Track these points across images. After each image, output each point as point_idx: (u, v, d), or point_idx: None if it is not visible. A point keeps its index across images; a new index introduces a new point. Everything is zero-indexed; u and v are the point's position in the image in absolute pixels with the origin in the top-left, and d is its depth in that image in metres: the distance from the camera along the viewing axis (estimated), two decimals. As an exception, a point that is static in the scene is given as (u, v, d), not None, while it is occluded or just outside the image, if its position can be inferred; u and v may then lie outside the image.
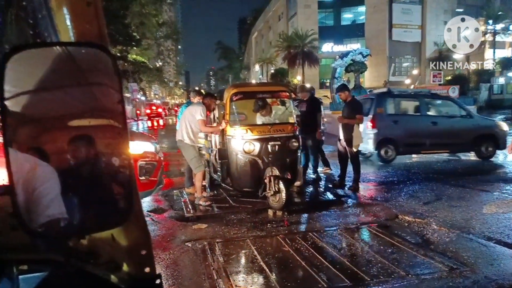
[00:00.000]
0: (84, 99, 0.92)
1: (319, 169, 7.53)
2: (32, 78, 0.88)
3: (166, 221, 5.05)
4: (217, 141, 5.80)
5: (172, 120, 35.41)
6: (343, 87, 6.80)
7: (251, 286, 3.19)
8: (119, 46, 30.14)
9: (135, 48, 34.65)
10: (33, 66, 0.88)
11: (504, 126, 9.54)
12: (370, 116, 8.83)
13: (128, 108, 37.27)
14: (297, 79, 40.79)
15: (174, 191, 6.65)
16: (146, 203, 5.77)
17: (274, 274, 3.35)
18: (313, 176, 7.28)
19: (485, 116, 11.61)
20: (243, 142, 5.33)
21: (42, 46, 1.00)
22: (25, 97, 0.86)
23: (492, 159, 9.28)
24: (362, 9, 47.80)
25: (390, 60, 46.21)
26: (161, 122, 35.56)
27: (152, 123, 33.02)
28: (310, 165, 7.31)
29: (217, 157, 5.78)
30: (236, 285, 3.17)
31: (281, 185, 5.04)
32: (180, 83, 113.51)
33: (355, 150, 6.31)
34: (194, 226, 4.70)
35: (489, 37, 37.62)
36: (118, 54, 29.70)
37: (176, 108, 47.89)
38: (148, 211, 5.43)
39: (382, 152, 8.91)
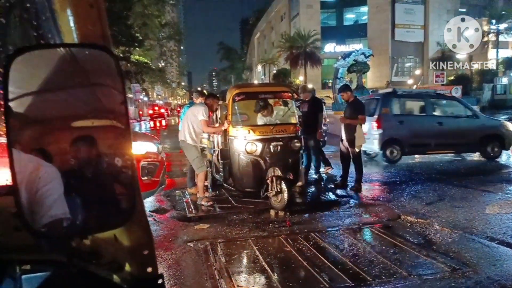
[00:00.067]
0: (87, 100, 0.93)
1: (321, 169, 7.52)
2: (36, 79, 0.89)
3: (168, 221, 5.06)
4: (219, 142, 5.81)
5: (174, 120, 35.46)
6: (345, 88, 6.79)
7: (253, 286, 3.20)
8: (122, 47, 30.23)
9: (137, 48, 34.76)
10: (37, 67, 0.88)
11: (510, 126, 9.50)
12: (376, 116, 8.81)
13: (131, 108, 37.31)
14: (299, 80, 40.75)
15: (176, 191, 6.66)
16: (149, 203, 5.78)
17: (276, 274, 3.35)
18: (315, 176, 7.27)
19: (491, 116, 11.58)
20: (245, 143, 5.33)
21: (46, 47, 1.01)
22: (29, 98, 0.87)
23: (497, 160, 9.25)
24: (364, 9, 47.73)
25: (392, 60, 46.14)
26: (163, 122, 35.60)
27: (155, 124, 33.07)
28: (312, 166, 7.30)
29: (219, 157, 5.79)
30: (238, 285, 3.17)
31: (283, 186, 5.04)
32: (183, 83, 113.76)
33: (357, 150, 6.30)
34: (196, 226, 4.71)
35: (492, 37, 37.50)
36: (121, 55, 29.78)
37: (178, 109, 47.94)
38: (150, 211, 5.44)
39: (388, 152, 8.89)
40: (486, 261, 3.54)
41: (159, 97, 68.66)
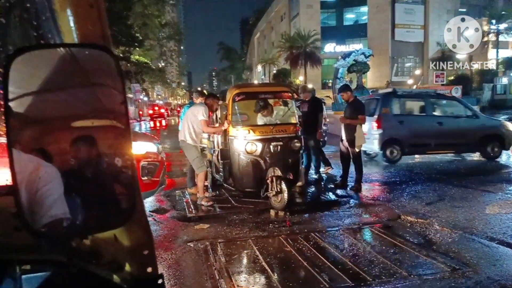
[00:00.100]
0: (87, 100, 0.93)
1: (321, 169, 7.52)
2: (36, 79, 0.89)
3: (168, 221, 5.06)
4: (219, 142, 5.81)
5: (174, 120, 35.46)
6: (345, 88, 6.79)
7: (253, 286, 3.20)
8: (122, 47, 30.24)
9: (137, 48, 34.76)
10: (37, 67, 0.88)
11: (510, 126, 9.51)
12: (376, 116, 8.82)
13: (131, 108, 37.32)
14: (300, 80, 40.76)
15: (176, 191, 6.66)
16: (149, 203, 5.78)
17: (276, 274, 3.35)
18: (315, 176, 7.27)
19: (491, 116, 11.58)
20: (245, 143, 5.33)
21: (46, 47, 1.01)
22: (29, 98, 0.87)
23: (497, 160, 9.26)
24: (364, 9, 47.74)
25: (392, 60, 46.14)
26: (163, 122, 35.60)
27: (155, 124, 33.07)
28: (312, 166, 7.30)
29: (219, 157, 5.79)
30: (238, 285, 3.17)
31: (283, 186, 5.04)
32: (183, 83, 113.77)
33: (357, 150, 6.30)
34: (196, 226, 4.71)
35: (492, 37, 37.49)
36: (121, 55, 29.79)
37: (178, 109, 47.94)
38: (150, 211, 5.44)
39: (388, 152, 8.89)
40: (486, 261, 3.54)
41: (159, 97, 68.68)
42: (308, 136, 6.74)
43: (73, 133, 0.91)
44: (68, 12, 0.90)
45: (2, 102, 0.80)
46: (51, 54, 0.90)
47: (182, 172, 7.82)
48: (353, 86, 25.05)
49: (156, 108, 47.36)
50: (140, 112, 43.27)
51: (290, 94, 5.98)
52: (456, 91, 22.03)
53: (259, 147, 5.33)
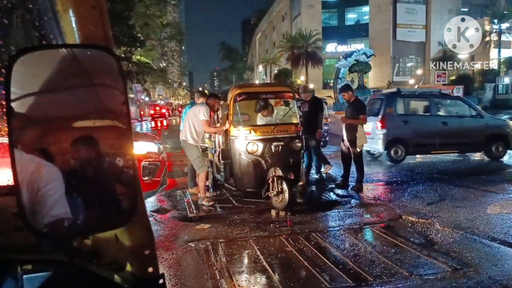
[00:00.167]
0: (89, 101, 0.93)
1: (321, 169, 7.51)
2: (38, 79, 0.89)
3: (169, 221, 5.07)
4: (221, 142, 5.81)
5: (175, 120, 35.49)
6: (346, 87, 6.79)
7: (254, 286, 3.20)
8: (124, 47, 30.27)
9: (139, 49, 34.78)
10: (39, 68, 0.89)
11: None
12: (380, 116, 8.81)
13: (132, 109, 37.39)
14: (301, 80, 40.74)
15: (177, 191, 6.67)
16: (150, 203, 5.78)
17: (277, 274, 3.36)
18: (316, 176, 7.27)
19: (495, 116, 11.56)
20: (246, 143, 5.33)
21: (48, 48, 1.01)
22: (30, 99, 0.87)
23: (501, 160, 9.24)
24: (366, 9, 47.71)
25: (394, 60, 46.08)
26: (164, 122, 35.64)
27: (156, 124, 33.11)
28: (313, 165, 7.30)
29: (220, 157, 5.80)
30: (239, 285, 3.17)
31: (284, 186, 5.04)
32: (184, 83, 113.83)
33: (358, 150, 6.29)
34: (197, 226, 4.71)
35: (494, 37, 37.39)
36: (123, 55, 29.82)
37: (180, 109, 47.97)
38: (151, 211, 5.44)
39: (392, 152, 8.89)
40: (487, 261, 3.53)
41: (161, 97, 68.74)
42: (309, 136, 6.74)
43: (74, 133, 0.91)
44: (71, 13, 0.91)
45: (4, 103, 0.81)
46: (53, 55, 0.91)
47: (183, 172, 7.83)
48: (355, 86, 25.04)
49: (158, 108, 47.39)
50: (142, 112, 43.32)
51: (291, 94, 5.98)
52: (458, 91, 22.00)
53: (260, 147, 5.33)
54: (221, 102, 5.97)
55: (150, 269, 0.96)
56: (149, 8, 35.67)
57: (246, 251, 3.94)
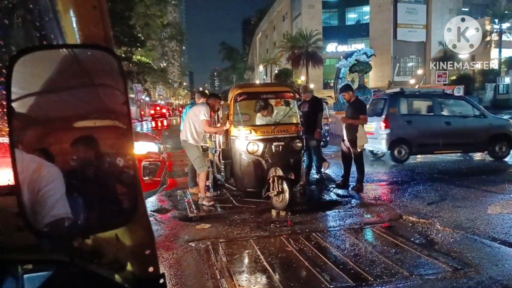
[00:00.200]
0: (90, 101, 0.93)
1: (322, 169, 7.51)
2: (39, 80, 0.90)
3: (169, 221, 5.07)
4: (221, 142, 5.82)
5: (176, 120, 35.49)
6: (347, 87, 6.79)
7: (254, 286, 3.20)
8: (124, 47, 30.30)
9: (139, 49, 34.81)
10: (39, 68, 0.89)
11: None
12: (383, 116, 8.82)
13: (133, 109, 37.41)
14: (301, 80, 40.73)
15: (178, 191, 6.67)
16: (150, 203, 5.79)
17: (277, 274, 3.36)
18: (316, 176, 7.27)
19: (500, 116, 11.56)
20: (247, 143, 5.34)
21: (49, 48, 1.02)
22: (31, 99, 0.87)
23: (505, 160, 9.23)
24: (366, 9, 47.67)
25: (394, 60, 46.05)
26: (165, 122, 35.65)
27: (156, 124, 33.13)
28: (313, 165, 7.29)
29: (220, 157, 5.80)
30: (239, 285, 3.18)
31: (285, 186, 5.04)
32: (184, 83, 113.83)
33: (359, 150, 6.29)
34: (198, 226, 4.72)
35: (495, 37, 37.36)
36: (123, 55, 29.84)
37: (180, 109, 47.99)
38: (152, 211, 5.45)
39: (395, 152, 8.89)
40: (488, 261, 3.53)
41: (161, 97, 68.76)
42: (309, 136, 6.74)
43: (75, 133, 0.91)
44: (71, 14, 0.91)
45: (5, 103, 0.81)
46: (54, 55, 0.91)
47: (184, 172, 7.83)
48: (355, 86, 25.00)
49: (158, 108, 47.41)
50: (142, 112, 43.34)
51: (292, 94, 5.98)
52: (458, 91, 21.96)
53: (260, 147, 5.33)
54: (222, 102, 5.97)
55: (151, 269, 0.97)
56: (149, 8, 35.71)
57: (247, 251, 3.94)
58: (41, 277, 0.87)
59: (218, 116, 6.20)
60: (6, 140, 0.83)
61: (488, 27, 36.44)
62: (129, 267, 0.96)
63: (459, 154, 10.08)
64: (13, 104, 0.82)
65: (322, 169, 7.59)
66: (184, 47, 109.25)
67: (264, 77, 57.12)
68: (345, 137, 6.50)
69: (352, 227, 4.67)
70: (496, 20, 36.94)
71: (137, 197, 0.91)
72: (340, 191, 6.39)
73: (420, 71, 43.02)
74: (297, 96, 6.76)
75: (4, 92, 0.81)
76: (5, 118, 0.81)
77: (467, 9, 43.35)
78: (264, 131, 5.46)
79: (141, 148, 4.87)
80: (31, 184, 0.85)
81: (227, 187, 6.16)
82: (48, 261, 0.92)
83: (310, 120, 6.81)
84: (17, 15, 1.22)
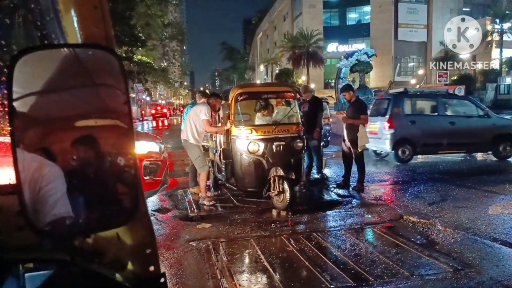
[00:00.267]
0: (91, 100, 0.94)
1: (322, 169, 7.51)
2: (40, 79, 0.90)
3: (170, 220, 5.08)
4: (222, 141, 5.82)
5: (177, 120, 35.51)
6: (347, 87, 6.78)
7: (254, 285, 3.20)
8: (125, 47, 30.29)
9: (140, 49, 34.80)
10: (40, 67, 0.89)
11: None
12: (387, 116, 8.81)
13: (134, 108, 37.42)
14: (302, 80, 40.73)
15: (179, 190, 6.68)
16: (151, 202, 5.79)
17: (277, 274, 3.36)
18: (317, 176, 7.26)
19: (503, 116, 11.55)
20: (247, 142, 5.34)
21: (50, 48, 1.02)
22: (32, 98, 0.87)
23: (508, 160, 9.23)
24: (367, 8, 47.64)
25: (395, 60, 46.03)
26: (165, 122, 35.66)
27: (157, 123, 33.15)
28: (314, 165, 7.29)
29: (221, 157, 5.80)
30: (239, 285, 3.18)
31: (285, 185, 5.04)
32: (185, 83, 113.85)
33: (360, 150, 6.29)
34: (198, 225, 4.72)
35: (495, 37, 37.31)
36: (124, 55, 29.82)
37: (181, 109, 48.01)
38: (152, 210, 5.45)
39: (399, 152, 8.89)
40: (488, 262, 3.53)
41: (162, 97, 68.80)
42: (310, 136, 6.73)
43: (76, 132, 0.91)
44: (72, 13, 0.91)
45: (6, 102, 0.81)
46: (55, 55, 0.91)
47: (184, 172, 7.84)
48: (356, 86, 24.97)
49: (159, 108, 47.44)
50: (143, 112, 43.37)
51: (292, 94, 5.97)
52: (459, 91, 21.95)
53: (261, 146, 5.33)
54: (223, 102, 5.97)
55: (152, 268, 0.97)
56: (150, 8, 35.70)
57: (247, 251, 3.94)
58: (42, 276, 0.87)
59: (219, 115, 6.20)
60: (7, 139, 0.83)
61: (489, 27, 36.40)
62: (130, 266, 0.96)
63: (461, 154, 10.07)
64: (15, 104, 0.82)
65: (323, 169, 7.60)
66: (185, 47, 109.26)
67: (265, 77, 57.11)
68: (345, 137, 6.49)
69: (352, 227, 4.66)
70: (497, 20, 36.88)
71: (138, 197, 0.91)
72: (340, 191, 6.38)
73: (421, 71, 42.97)
74: (299, 96, 6.76)
75: (5, 92, 0.81)
76: (7, 117, 0.81)
77: (468, 9, 43.31)
78: (265, 131, 5.46)
79: (142, 147, 4.87)
80: (32, 183, 0.86)
81: (228, 187, 6.16)
82: (49, 260, 0.92)
83: (311, 120, 6.80)
84: (18, 15, 1.22)
